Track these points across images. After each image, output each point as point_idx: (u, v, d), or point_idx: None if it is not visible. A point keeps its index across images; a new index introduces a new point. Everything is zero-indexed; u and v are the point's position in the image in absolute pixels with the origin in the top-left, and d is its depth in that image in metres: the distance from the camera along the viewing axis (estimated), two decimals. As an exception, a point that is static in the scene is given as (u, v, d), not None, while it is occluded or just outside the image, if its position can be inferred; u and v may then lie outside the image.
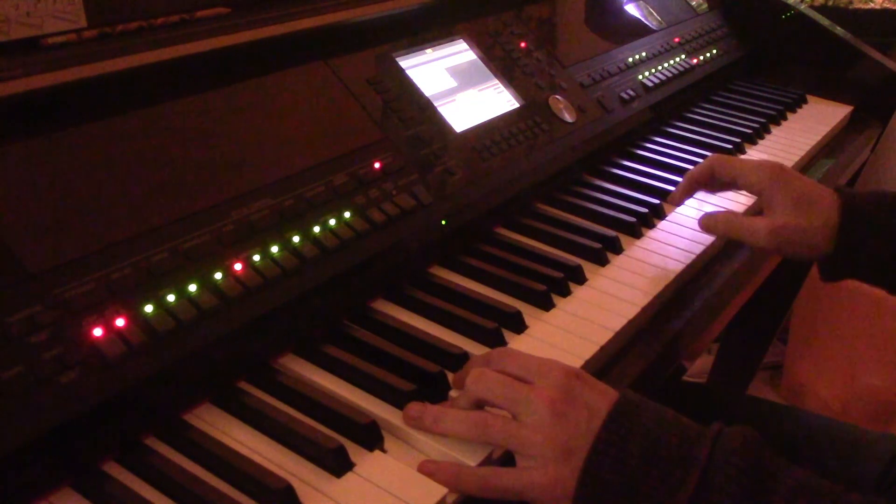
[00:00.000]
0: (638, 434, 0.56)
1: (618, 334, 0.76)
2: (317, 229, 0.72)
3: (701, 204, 1.01)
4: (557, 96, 1.04)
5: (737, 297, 0.93)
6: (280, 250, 0.69)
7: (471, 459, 0.60)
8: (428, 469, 0.60)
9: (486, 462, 0.61)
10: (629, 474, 0.54)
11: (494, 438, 0.60)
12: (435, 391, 0.66)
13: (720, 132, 1.23)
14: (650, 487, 0.54)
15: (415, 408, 0.63)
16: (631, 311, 0.79)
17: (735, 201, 1.02)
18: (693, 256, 0.90)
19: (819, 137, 1.26)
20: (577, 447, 0.56)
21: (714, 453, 0.54)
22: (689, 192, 0.94)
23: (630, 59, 1.21)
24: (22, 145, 0.62)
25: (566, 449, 0.56)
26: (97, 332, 0.57)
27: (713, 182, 0.91)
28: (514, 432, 0.58)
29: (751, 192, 0.89)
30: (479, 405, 0.62)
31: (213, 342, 0.62)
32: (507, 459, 0.62)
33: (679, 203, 0.96)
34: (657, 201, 0.99)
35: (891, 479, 0.84)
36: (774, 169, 0.85)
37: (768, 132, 1.27)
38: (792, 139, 1.25)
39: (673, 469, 0.54)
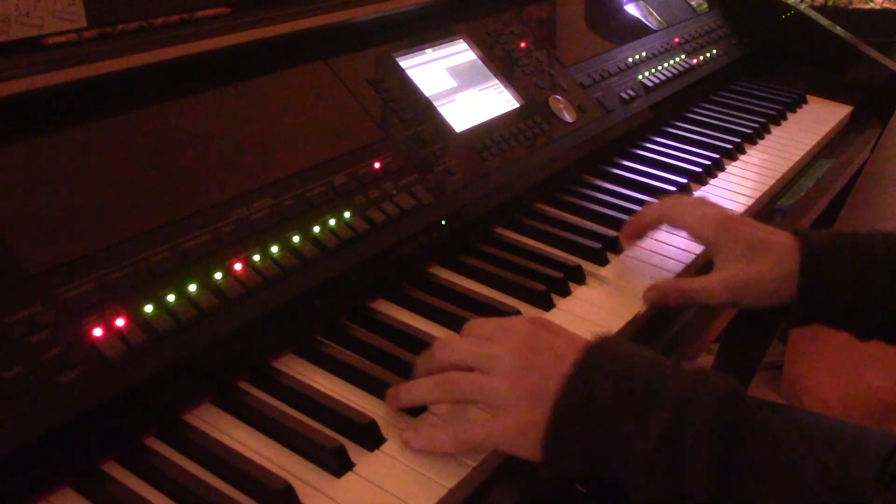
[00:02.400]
0: (610, 372, 0.55)
1: (618, 334, 0.76)
2: (317, 229, 0.72)
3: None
4: (557, 96, 1.04)
5: (737, 297, 0.93)
6: (280, 250, 0.69)
7: (472, 459, 0.60)
8: (405, 436, 0.61)
9: (486, 463, 0.61)
10: (600, 411, 0.54)
11: (463, 394, 0.60)
12: (435, 391, 0.66)
13: (720, 132, 1.23)
14: (622, 424, 0.53)
15: (390, 390, 0.64)
16: (631, 312, 0.79)
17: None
18: (693, 256, 0.90)
19: (819, 137, 1.26)
20: (544, 390, 0.56)
21: (691, 393, 0.53)
22: (637, 237, 0.89)
23: (630, 59, 1.21)
24: (22, 145, 0.62)
25: (533, 392, 0.57)
26: (97, 332, 0.57)
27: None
28: (481, 384, 0.59)
29: (699, 243, 0.85)
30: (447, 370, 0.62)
31: (213, 342, 0.62)
32: (508, 461, 0.62)
33: (628, 246, 0.90)
34: (657, 201, 0.99)
35: (889, 473, 0.85)
36: (718, 219, 0.80)
37: (768, 132, 1.27)
38: (792, 139, 1.25)
39: (646, 405, 0.53)
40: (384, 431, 0.62)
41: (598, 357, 0.57)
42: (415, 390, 0.62)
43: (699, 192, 1.06)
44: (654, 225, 0.87)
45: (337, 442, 0.60)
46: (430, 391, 0.62)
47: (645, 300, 0.81)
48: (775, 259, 0.76)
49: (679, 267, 0.88)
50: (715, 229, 0.80)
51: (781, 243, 0.77)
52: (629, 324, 0.78)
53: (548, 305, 0.79)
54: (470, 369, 0.61)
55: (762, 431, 0.53)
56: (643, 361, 0.56)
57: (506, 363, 0.59)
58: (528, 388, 0.57)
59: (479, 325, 0.64)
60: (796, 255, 0.76)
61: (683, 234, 0.85)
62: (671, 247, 0.92)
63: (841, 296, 0.75)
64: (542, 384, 0.56)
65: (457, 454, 0.60)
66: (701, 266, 0.91)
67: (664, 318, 0.83)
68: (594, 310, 0.79)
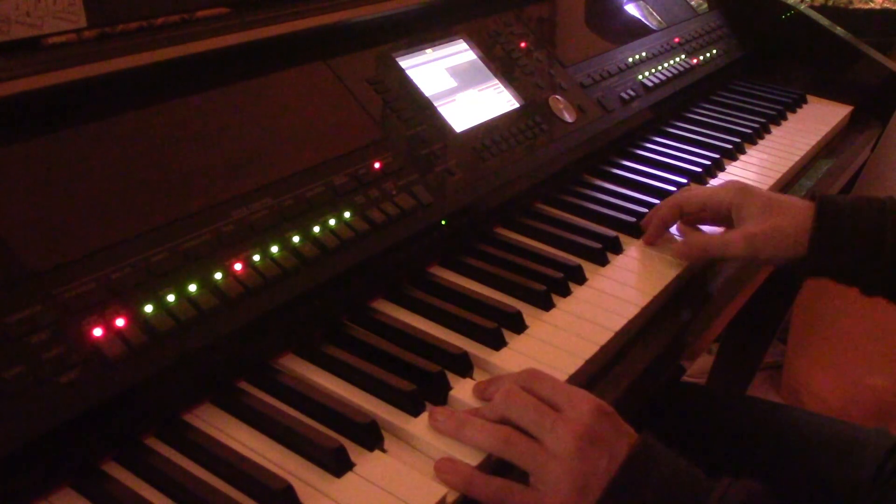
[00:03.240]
0: (652, 482, 0.57)
1: (618, 334, 0.76)
2: (317, 229, 0.72)
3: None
4: (557, 96, 1.04)
5: (737, 297, 0.93)
6: (280, 250, 0.69)
7: (472, 459, 0.60)
8: (444, 467, 0.60)
9: (485, 464, 0.61)
10: None
11: (515, 456, 0.60)
12: (435, 391, 0.66)
13: (720, 132, 1.23)
14: None
15: (441, 412, 0.63)
16: (631, 312, 0.79)
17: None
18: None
19: (819, 137, 1.26)
20: (593, 486, 0.57)
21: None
22: (661, 233, 0.93)
23: (630, 59, 1.21)
24: (22, 145, 0.62)
25: (584, 484, 0.57)
26: (97, 332, 0.57)
27: (683, 215, 0.92)
28: (536, 455, 0.59)
29: (720, 211, 0.89)
30: (504, 421, 0.62)
31: (213, 342, 0.62)
32: (503, 465, 0.62)
33: (653, 243, 0.93)
34: (657, 201, 0.99)
35: (886, 473, 0.85)
36: (738, 184, 0.89)
37: (768, 132, 1.27)
38: (792, 139, 1.25)
39: None
40: (384, 431, 0.62)
41: (641, 463, 0.58)
42: (468, 431, 0.62)
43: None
44: (673, 216, 0.92)
45: (337, 442, 0.60)
46: (486, 440, 0.61)
47: (673, 254, 0.88)
48: (792, 213, 0.83)
49: (679, 267, 0.87)
50: (735, 192, 0.87)
51: (798, 202, 0.84)
52: (630, 323, 0.78)
53: (548, 305, 0.79)
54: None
55: None
56: (680, 474, 0.58)
57: (564, 444, 0.58)
58: (580, 476, 0.57)
59: (544, 384, 0.63)
60: (811, 210, 0.81)
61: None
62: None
63: (851, 250, 0.79)
64: (591, 480, 0.57)
65: (481, 495, 0.59)
66: (701, 266, 0.91)
67: (664, 318, 0.83)
68: (594, 310, 0.79)
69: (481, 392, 0.66)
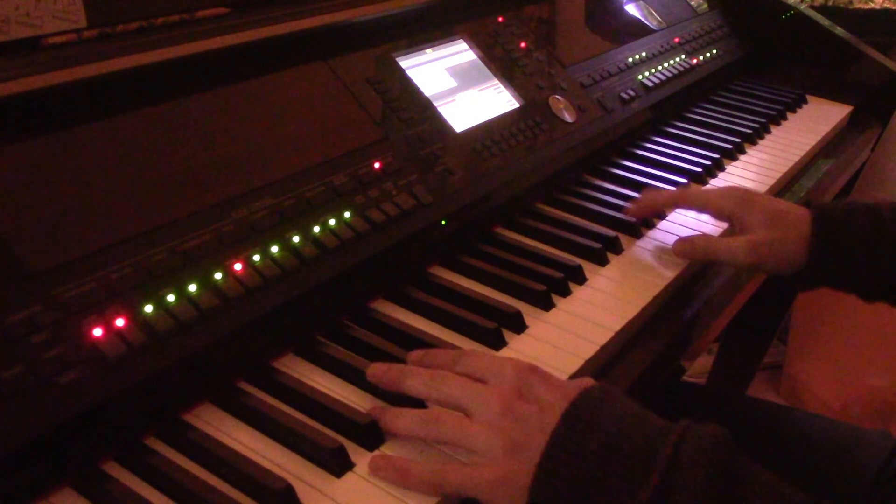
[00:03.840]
0: (598, 428, 0.54)
1: (617, 335, 0.76)
2: (317, 229, 0.72)
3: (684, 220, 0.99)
4: (557, 96, 1.04)
5: (737, 297, 0.93)
6: (280, 250, 0.69)
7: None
8: (376, 464, 0.58)
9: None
10: (587, 469, 0.52)
11: (445, 435, 0.59)
12: (435, 391, 0.66)
13: (720, 132, 1.23)
14: (609, 484, 0.52)
15: (374, 408, 0.63)
16: (631, 312, 0.79)
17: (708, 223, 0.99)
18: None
19: (819, 137, 1.26)
20: (527, 442, 0.55)
21: (679, 451, 0.52)
22: (646, 210, 0.93)
23: (630, 59, 1.21)
24: (22, 145, 0.62)
25: (515, 443, 0.55)
26: (97, 332, 0.57)
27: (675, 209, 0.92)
28: (465, 428, 0.58)
29: (720, 218, 0.89)
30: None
31: (213, 342, 0.62)
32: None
33: (635, 216, 0.94)
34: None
35: (888, 474, 0.85)
36: (739, 192, 0.89)
37: (768, 132, 1.27)
38: (792, 139, 1.25)
39: (634, 466, 0.52)
40: (384, 431, 0.62)
41: (585, 411, 0.55)
42: (400, 421, 0.61)
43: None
44: (667, 205, 0.92)
45: (337, 442, 0.60)
46: (413, 426, 0.60)
47: (675, 251, 0.88)
48: (794, 225, 0.82)
49: (679, 267, 0.87)
50: (738, 201, 0.87)
51: (798, 212, 0.84)
52: (630, 323, 0.78)
53: (548, 305, 0.79)
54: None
55: (752, 486, 0.51)
56: (630, 418, 0.55)
57: (492, 410, 0.57)
58: (512, 439, 0.55)
59: (470, 360, 0.63)
60: (808, 221, 0.82)
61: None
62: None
63: (849, 258, 0.80)
64: (526, 436, 0.55)
65: (427, 496, 0.57)
66: (701, 266, 0.91)
67: (664, 318, 0.83)
68: (594, 310, 0.79)
69: (417, 360, 0.65)
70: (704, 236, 0.91)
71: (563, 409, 0.55)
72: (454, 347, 0.71)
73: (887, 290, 0.80)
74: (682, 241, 0.88)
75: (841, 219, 0.80)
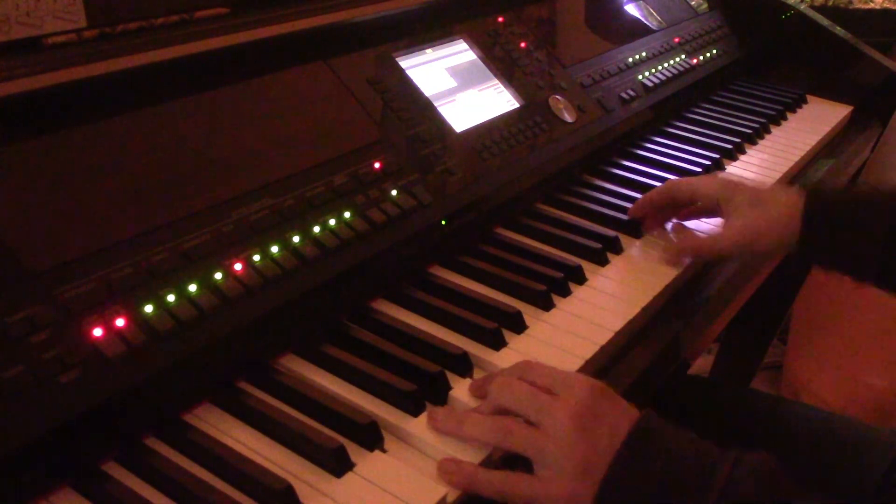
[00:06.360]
0: (658, 454, 0.56)
1: (617, 335, 0.76)
2: (317, 229, 0.72)
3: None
4: (557, 96, 1.04)
5: (737, 297, 0.93)
6: (280, 250, 0.69)
7: (472, 459, 0.60)
8: (447, 468, 0.59)
9: (486, 462, 0.61)
10: (648, 493, 0.55)
11: (515, 445, 0.59)
12: (435, 391, 0.66)
13: (720, 132, 1.23)
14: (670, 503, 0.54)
15: (441, 411, 0.63)
16: (631, 312, 0.79)
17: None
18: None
19: (819, 137, 1.26)
20: (596, 464, 0.56)
21: (732, 475, 0.54)
22: (643, 211, 0.93)
23: (630, 59, 1.21)
24: (22, 145, 0.62)
25: (586, 464, 0.56)
26: (97, 332, 0.57)
27: (673, 202, 0.92)
28: (535, 441, 0.59)
29: (708, 204, 0.89)
30: (502, 413, 0.62)
31: (213, 342, 0.62)
32: (507, 461, 0.62)
33: (636, 216, 0.94)
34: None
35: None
36: (724, 178, 0.91)
37: (768, 132, 1.27)
38: (792, 139, 1.25)
39: (692, 490, 0.54)
40: (384, 431, 0.62)
41: (646, 436, 0.57)
42: (467, 427, 0.61)
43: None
44: (661, 200, 0.92)
45: (337, 442, 0.60)
46: (485, 433, 0.61)
47: (665, 261, 0.87)
48: (783, 203, 0.82)
49: (679, 267, 0.87)
50: (723, 185, 0.88)
51: (786, 194, 0.84)
52: (630, 323, 0.78)
53: (548, 305, 0.79)
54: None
55: None
56: (688, 444, 0.57)
57: (563, 426, 0.58)
58: (581, 457, 0.57)
59: (538, 371, 0.63)
60: (801, 200, 0.81)
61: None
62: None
63: (840, 238, 0.80)
64: (594, 458, 0.57)
65: (485, 491, 0.59)
66: (701, 266, 0.91)
67: (664, 318, 0.83)
68: (594, 310, 0.79)
69: (478, 389, 0.66)
70: (689, 237, 0.92)
71: (628, 431, 0.57)
72: (454, 347, 0.71)
73: (876, 272, 0.80)
74: (668, 251, 0.88)
75: (836, 197, 0.81)
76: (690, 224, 0.96)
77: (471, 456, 0.60)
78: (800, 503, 0.54)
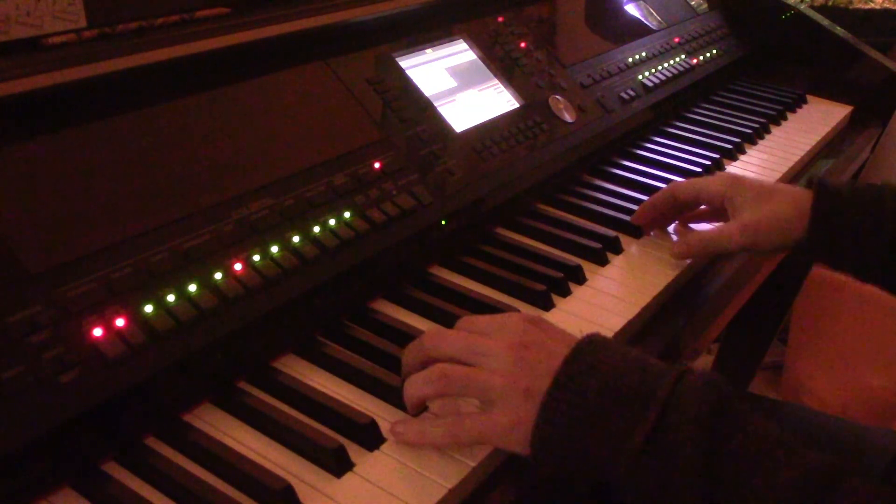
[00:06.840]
0: (598, 371, 0.56)
1: (617, 335, 0.76)
2: (317, 229, 0.72)
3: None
4: (557, 96, 1.04)
5: (737, 297, 0.93)
6: (280, 250, 0.69)
7: (472, 459, 0.60)
8: (396, 429, 0.61)
9: (486, 463, 0.61)
10: (587, 410, 0.54)
11: (455, 387, 0.60)
12: (435, 391, 0.66)
13: (720, 132, 1.23)
14: (607, 422, 0.54)
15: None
16: (631, 312, 0.79)
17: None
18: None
19: (819, 137, 1.26)
20: (536, 387, 0.56)
21: (675, 392, 0.54)
22: (647, 215, 0.93)
23: (630, 59, 1.21)
24: (22, 145, 0.62)
25: (526, 389, 0.57)
26: (97, 332, 0.57)
27: (677, 205, 0.92)
28: (476, 378, 0.59)
29: (713, 203, 0.89)
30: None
31: (213, 342, 0.62)
32: (511, 458, 0.62)
33: (640, 222, 0.94)
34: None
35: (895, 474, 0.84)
36: (730, 175, 0.90)
37: (768, 132, 1.27)
38: (792, 139, 1.25)
39: (631, 405, 0.54)
40: (384, 431, 0.62)
41: (586, 356, 0.57)
42: (411, 388, 0.62)
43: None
44: (665, 203, 0.91)
45: (337, 442, 0.60)
46: (422, 386, 0.61)
47: (673, 255, 0.87)
48: (789, 199, 0.82)
49: (679, 267, 0.87)
50: (727, 181, 0.87)
51: (792, 188, 0.84)
52: (630, 323, 0.78)
53: (548, 305, 0.79)
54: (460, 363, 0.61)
55: (745, 427, 0.53)
56: (630, 361, 0.57)
57: (500, 359, 0.59)
58: (521, 384, 0.57)
59: (472, 321, 0.64)
60: (809, 196, 0.81)
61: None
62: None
63: (847, 236, 0.79)
64: (533, 381, 0.57)
65: (449, 448, 0.60)
66: (700, 267, 0.91)
67: (664, 318, 0.83)
68: (594, 310, 0.79)
69: (411, 353, 0.65)
70: (697, 232, 0.91)
71: (566, 355, 0.57)
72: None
73: (882, 272, 0.80)
74: (678, 244, 0.88)
75: (844, 194, 0.80)
76: (692, 226, 0.96)
77: (468, 458, 0.60)
78: (743, 424, 0.53)
